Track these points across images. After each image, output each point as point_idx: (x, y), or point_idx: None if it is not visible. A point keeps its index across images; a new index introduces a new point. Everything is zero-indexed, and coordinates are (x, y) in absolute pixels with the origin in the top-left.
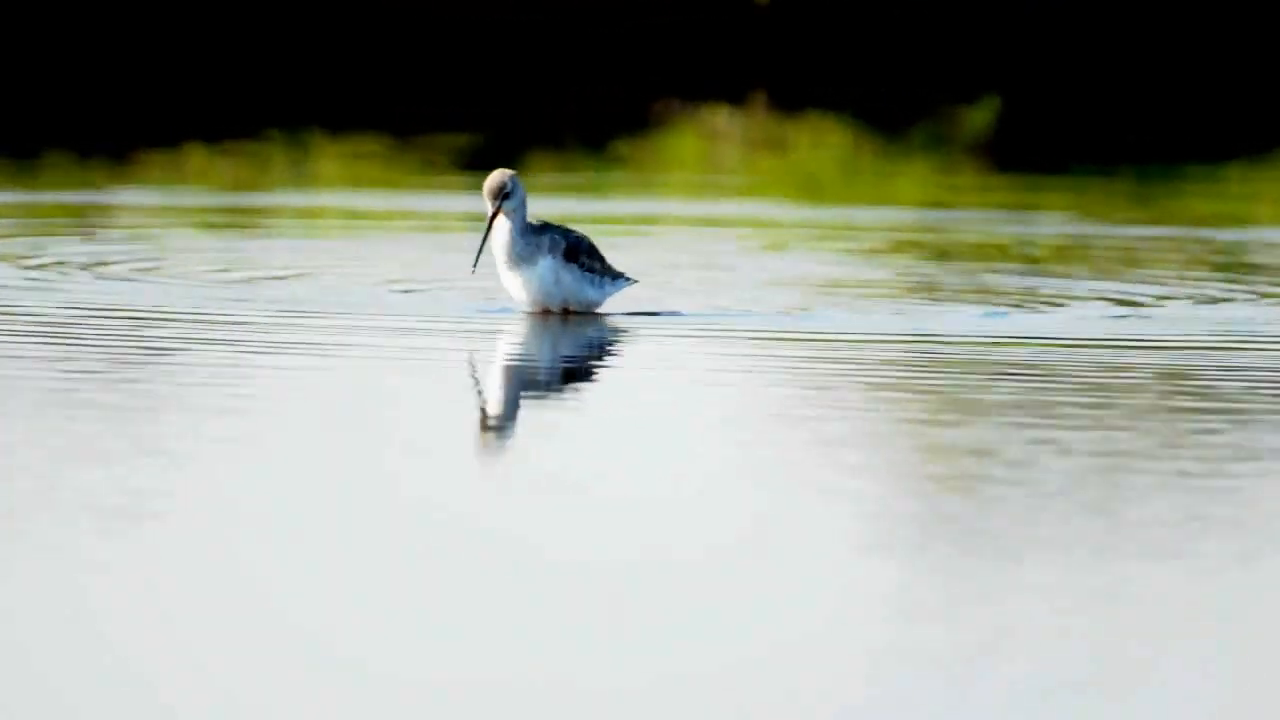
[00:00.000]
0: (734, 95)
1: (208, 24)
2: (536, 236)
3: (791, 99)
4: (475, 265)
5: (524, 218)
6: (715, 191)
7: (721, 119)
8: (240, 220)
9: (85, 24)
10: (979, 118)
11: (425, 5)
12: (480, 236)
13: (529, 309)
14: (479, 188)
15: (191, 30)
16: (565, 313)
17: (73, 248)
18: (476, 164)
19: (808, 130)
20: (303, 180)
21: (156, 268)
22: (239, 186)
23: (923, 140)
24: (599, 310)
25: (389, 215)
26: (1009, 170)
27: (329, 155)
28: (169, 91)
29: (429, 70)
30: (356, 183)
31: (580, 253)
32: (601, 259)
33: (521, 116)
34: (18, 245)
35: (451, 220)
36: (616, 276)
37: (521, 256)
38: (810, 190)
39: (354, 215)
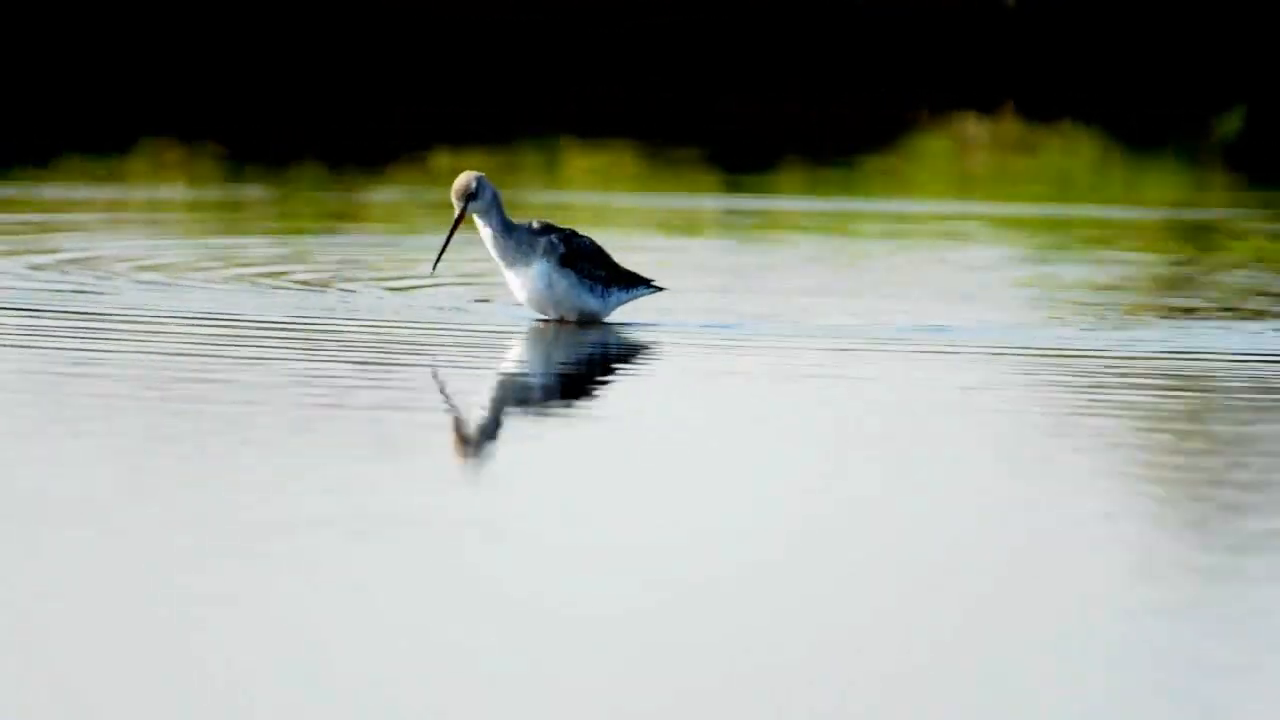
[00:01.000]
0: (984, 104)
1: (458, 30)
2: (531, 237)
3: (1041, 108)
4: (435, 266)
5: (502, 217)
6: (964, 198)
7: (971, 128)
8: None
9: (338, 30)
10: (1228, 126)
11: (679, 14)
12: (443, 237)
13: (529, 309)
14: (732, 194)
15: (442, 37)
16: (564, 321)
17: (327, 251)
18: (733, 171)
19: (1057, 139)
20: (553, 183)
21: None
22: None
23: (1171, 148)
24: (606, 320)
25: (637, 215)
26: (1261, 181)
27: (578, 159)
28: (418, 97)
29: (678, 77)
30: (606, 186)
31: (580, 258)
32: (609, 265)
33: (774, 125)
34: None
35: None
36: (632, 284)
37: (514, 257)
38: (1061, 197)
39: (603, 216)
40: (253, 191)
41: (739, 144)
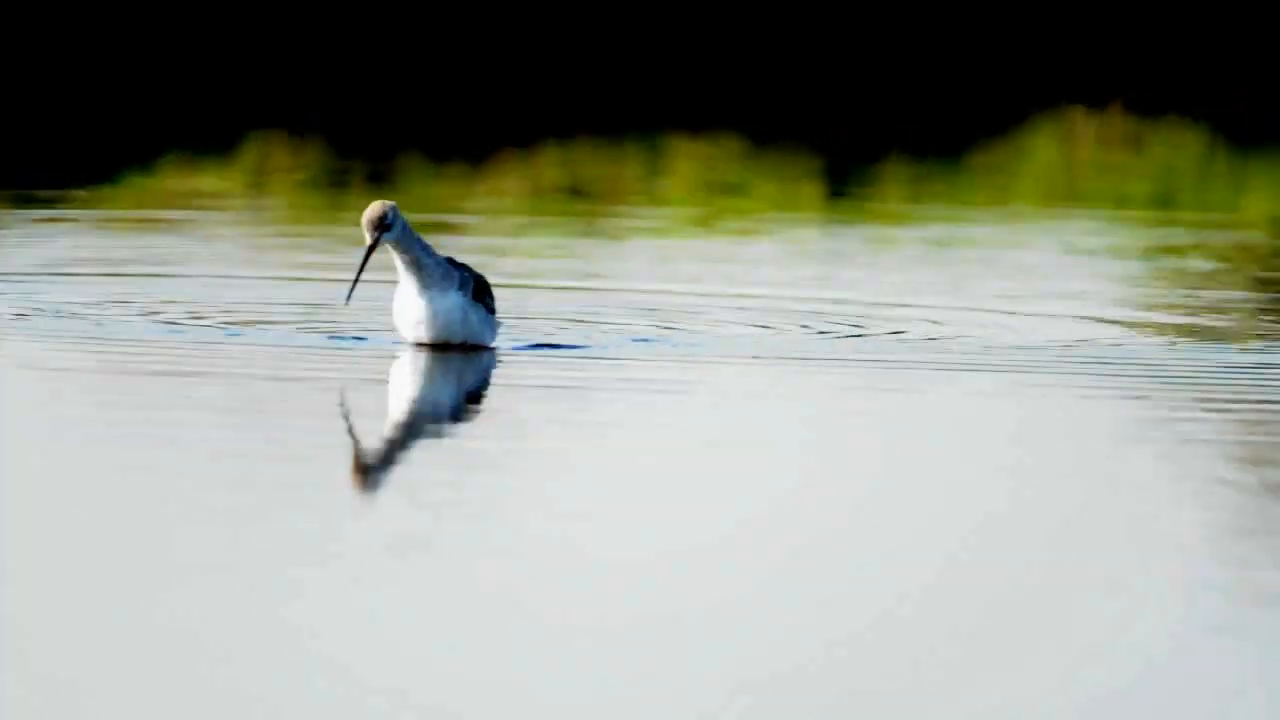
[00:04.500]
0: (1093, 99)
1: (562, 27)
2: (449, 268)
3: (1149, 104)
4: (349, 298)
5: (420, 244)
6: (1071, 200)
7: (1079, 123)
8: (595, 225)
9: (447, 31)
10: None
11: (785, 12)
12: (356, 269)
13: (425, 340)
14: (831, 197)
15: (547, 33)
16: (459, 347)
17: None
18: (834, 173)
19: (1163, 136)
20: (656, 183)
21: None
22: (592, 188)
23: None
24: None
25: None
26: None
27: (683, 157)
28: (524, 93)
29: (782, 74)
30: (709, 186)
31: (484, 292)
32: (493, 299)
33: (877, 123)
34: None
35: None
36: (495, 320)
37: (433, 282)
38: (1163, 200)
39: (705, 220)
40: (358, 188)
41: (844, 138)
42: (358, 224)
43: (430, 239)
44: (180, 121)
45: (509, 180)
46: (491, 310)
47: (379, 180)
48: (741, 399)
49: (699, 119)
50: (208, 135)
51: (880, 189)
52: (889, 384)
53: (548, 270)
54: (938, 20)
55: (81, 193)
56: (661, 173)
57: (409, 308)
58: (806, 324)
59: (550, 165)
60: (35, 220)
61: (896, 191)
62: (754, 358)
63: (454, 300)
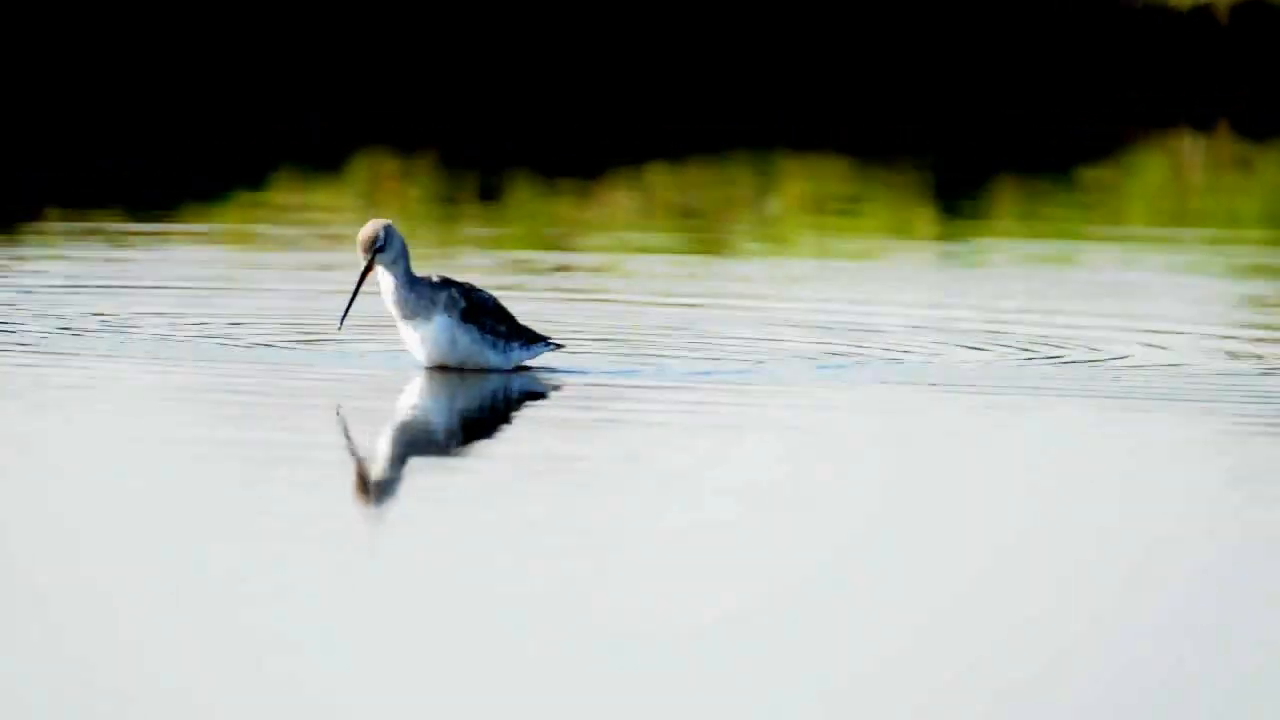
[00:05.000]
0: (1200, 121)
1: (674, 46)
2: (432, 291)
3: (1256, 126)
4: (342, 323)
5: (406, 269)
6: (1180, 221)
7: (1187, 144)
8: (704, 240)
9: (559, 50)
10: None
11: (896, 31)
12: (350, 292)
13: (427, 364)
14: (943, 215)
15: (658, 51)
16: (463, 370)
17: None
18: (942, 190)
19: (1272, 157)
20: (765, 201)
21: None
22: (702, 206)
23: None
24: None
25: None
26: None
27: (792, 171)
28: (635, 111)
29: (891, 91)
30: (819, 198)
31: (482, 313)
32: (510, 321)
33: (987, 142)
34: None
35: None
36: (532, 341)
37: (413, 311)
38: (1275, 222)
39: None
40: (468, 205)
41: (954, 156)
42: (468, 242)
43: (540, 256)
44: (292, 138)
45: (619, 198)
46: (490, 331)
47: (489, 197)
48: (980, 434)
49: (808, 137)
50: (319, 152)
51: (991, 207)
52: (1124, 417)
53: (662, 289)
54: (1050, 41)
55: (193, 208)
56: (771, 191)
57: (404, 334)
58: (981, 346)
59: (661, 184)
60: (146, 235)
61: (1008, 210)
62: (970, 386)
63: (439, 324)
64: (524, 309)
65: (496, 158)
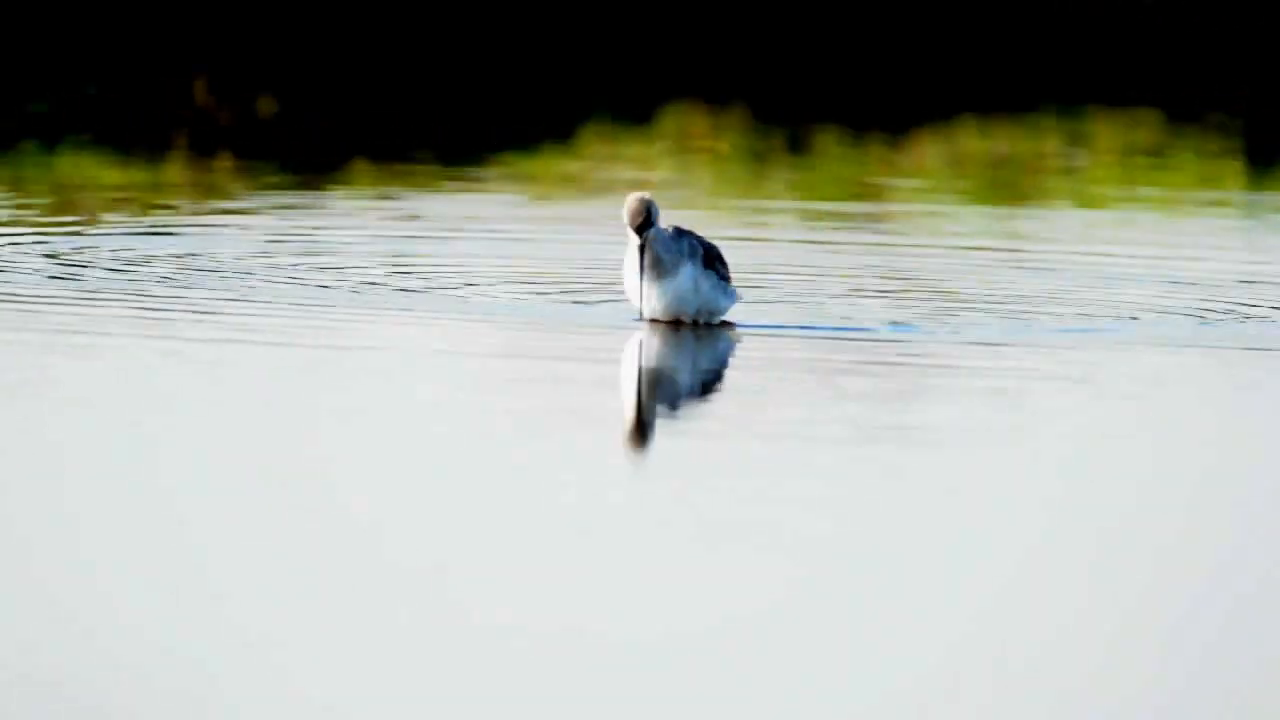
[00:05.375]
0: None
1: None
2: (677, 243)
3: None
4: (641, 310)
5: (663, 232)
6: None
7: None
8: (1012, 194)
9: (867, 2)
10: None
11: None
12: (639, 282)
13: (660, 317)
14: (1256, 176)
15: (966, 7)
16: (694, 324)
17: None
18: (1254, 151)
19: None
20: (1076, 154)
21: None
22: (1011, 161)
23: None
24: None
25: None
26: None
27: (1104, 129)
28: (943, 67)
29: (1201, 48)
30: (1130, 159)
31: (715, 259)
32: (727, 266)
33: None
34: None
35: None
36: (731, 286)
37: (669, 267)
38: None
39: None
40: (777, 159)
41: (1265, 123)
42: (778, 195)
43: (851, 207)
44: (601, 91)
45: (927, 153)
46: (725, 278)
47: (797, 150)
48: None
49: (1118, 93)
50: (629, 105)
51: None
52: None
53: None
54: None
55: (502, 160)
56: (1080, 145)
57: (640, 286)
58: None
59: (969, 138)
60: (452, 184)
61: None
62: None
63: (685, 274)
64: (843, 261)
65: (805, 111)
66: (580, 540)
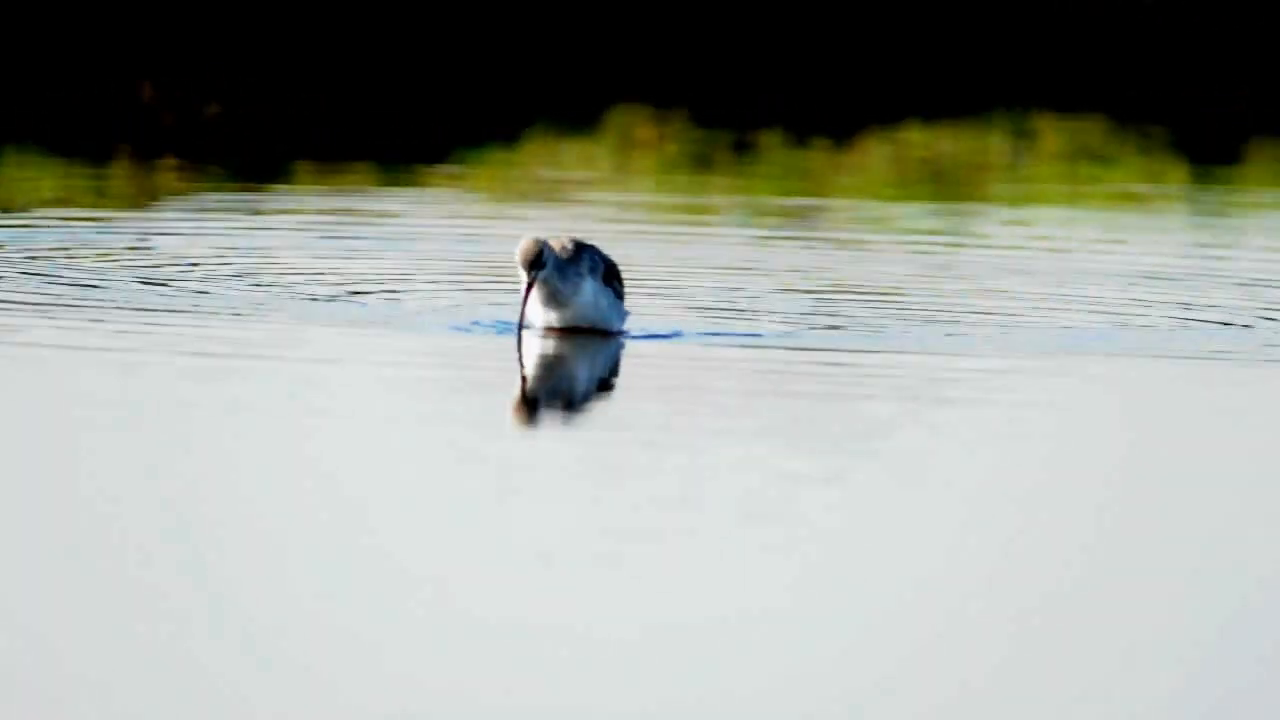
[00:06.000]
0: None
1: (927, 5)
2: (576, 264)
3: None
4: (520, 335)
5: (557, 264)
6: None
7: None
8: (958, 199)
9: (811, 7)
10: None
11: None
12: (518, 313)
13: (555, 326)
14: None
15: (911, 11)
16: (586, 332)
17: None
18: (1198, 154)
19: None
20: (1020, 162)
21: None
22: (956, 167)
23: None
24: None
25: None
26: None
27: (1050, 132)
28: (889, 71)
29: (1143, 52)
30: (1074, 160)
31: (613, 275)
32: (623, 284)
33: (1238, 104)
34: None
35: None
36: (623, 305)
37: (568, 294)
38: None
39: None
40: (722, 163)
41: (1208, 126)
42: (721, 199)
43: (793, 216)
44: (545, 95)
45: (873, 158)
46: (620, 295)
47: (742, 154)
48: None
49: (1063, 97)
50: (572, 109)
51: (1240, 178)
52: None
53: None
54: None
55: (445, 167)
56: (1026, 151)
57: (538, 314)
58: None
59: (915, 143)
60: (396, 190)
61: (1260, 174)
62: None
63: (586, 287)
64: (789, 261)
65: (749, 115)
66: (531, 541)
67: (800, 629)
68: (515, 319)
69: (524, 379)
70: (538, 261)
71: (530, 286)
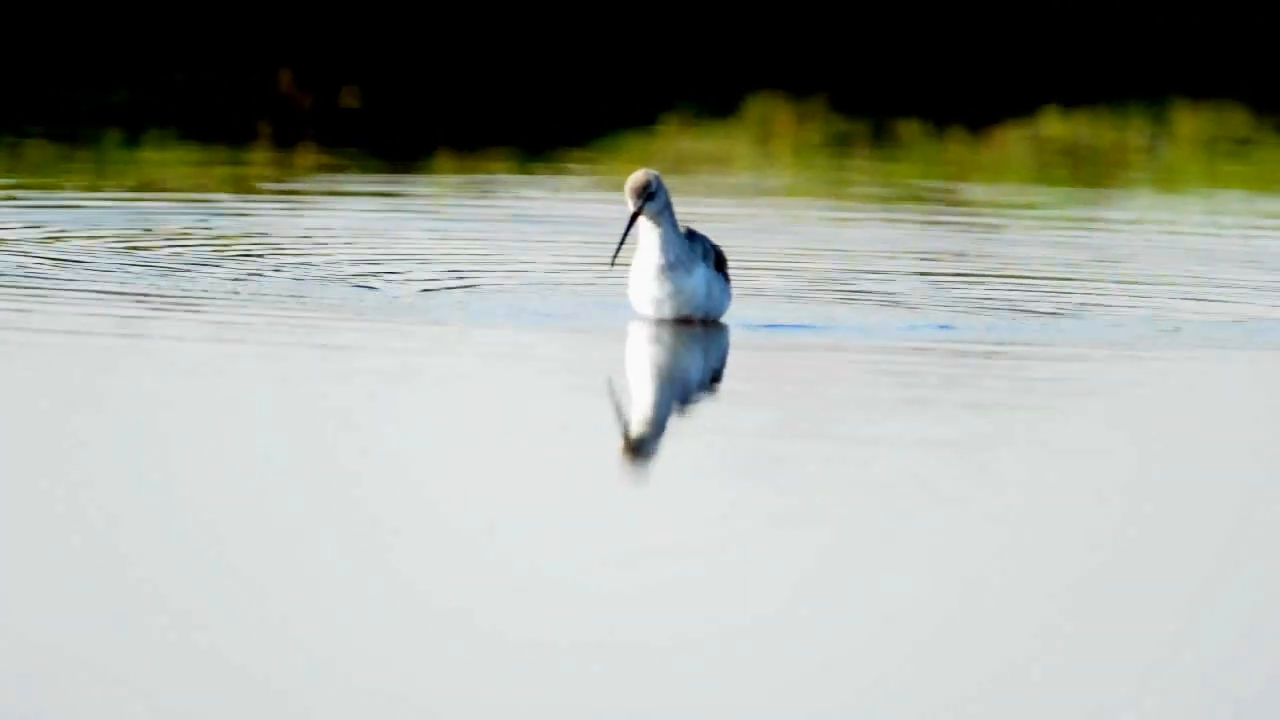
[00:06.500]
0: None
1: None
2: (690, 242)
3: None
4: (614, 260)
5: (673, 221)
6: None
7: None
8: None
9: None
10: None
11: None
12: (620, 233)
13: (666, 317)
14: None
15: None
16: (696, 322)
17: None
18: None
19: None
20: (1159, 149)
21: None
22: (1094, 153)
23: None
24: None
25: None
26: None
27: (1186, 118)
28: (1027, 59)
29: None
30: (1212, 147)
31: (722, 263)
32: (728, 272)
33: None
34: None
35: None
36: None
37: (684, 261)
38: None
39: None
40: (861, 151)
41: None
42: (860, 187)
43: (935, 204)
44: (683, 82)
45: (1011, 145)
46: (728, 280)
47: (881, 142)
48: None
49: (1203, 84)
50: (711, 96)
51: None
52: None
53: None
54: None
55: (581, 152)
56: (1164, 138)
57: (650, 284)
58: None
59: (1053, 133)
60: (533, 177)
61: None
62: None
63: (700, 275)
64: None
65: (888, 103)
66: (583, 543)
67: (955, 636)
68: (642, 280)
69: (651, 369)
70: (645, 191)
71: (635, 217)
